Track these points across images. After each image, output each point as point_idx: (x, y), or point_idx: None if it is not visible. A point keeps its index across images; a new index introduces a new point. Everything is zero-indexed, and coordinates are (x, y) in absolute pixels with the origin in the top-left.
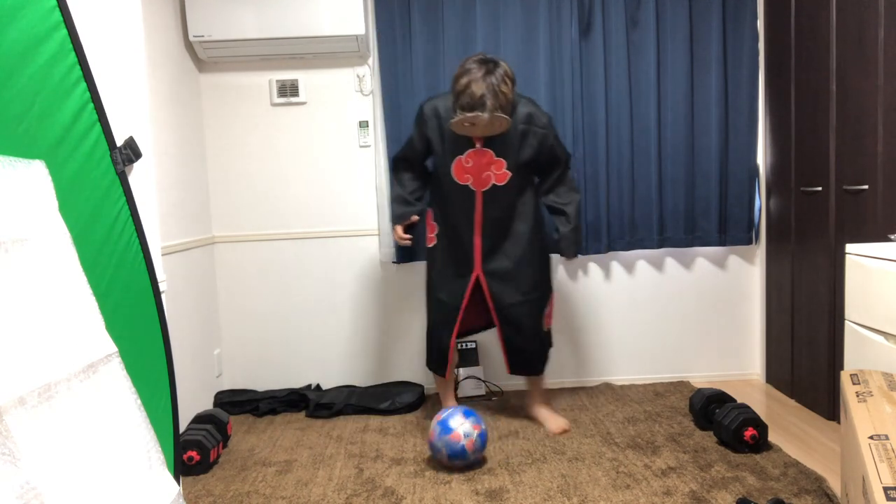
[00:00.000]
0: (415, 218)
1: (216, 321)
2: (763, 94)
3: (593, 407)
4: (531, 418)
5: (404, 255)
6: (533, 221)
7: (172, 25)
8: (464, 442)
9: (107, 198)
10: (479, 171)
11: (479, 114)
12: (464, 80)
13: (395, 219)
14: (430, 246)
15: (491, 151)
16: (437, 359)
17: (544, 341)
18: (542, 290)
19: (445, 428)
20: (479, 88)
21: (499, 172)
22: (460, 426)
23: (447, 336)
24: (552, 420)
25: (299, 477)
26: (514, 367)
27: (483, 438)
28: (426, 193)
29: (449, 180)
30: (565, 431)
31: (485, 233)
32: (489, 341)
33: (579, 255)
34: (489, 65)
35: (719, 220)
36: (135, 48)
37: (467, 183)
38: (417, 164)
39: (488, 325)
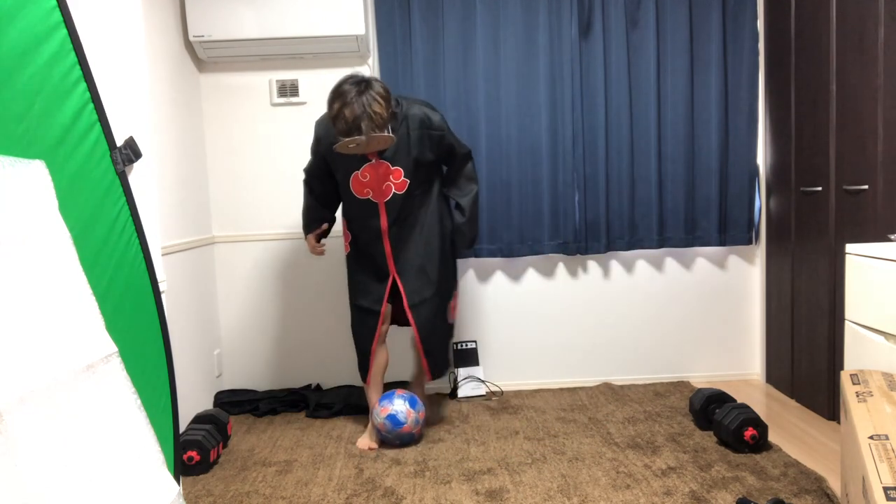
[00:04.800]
0: (324, 226)
1: (216, 321)
2: (763, 94)
3: (593, 407)
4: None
5: None
6: (438, 216)
7: (172, 25)
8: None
9: (107, 198)
10: (378, 183)
11: (357, 136)
12: (336, 106)
13: (305, 229)
14: (347, 253)
15: (387, 163)
16: (360, 364)
17: (448, 334)
18: (449, 283)
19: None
20: (351, 112)
21: (397, 181)
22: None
23: (369, 341)
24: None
25: (299, 477)
26: (434, 371)
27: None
28: (336, 202)
29: (349, 195)
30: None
31: (392, 237)
32: (489, 341)
33: (580, 254)
34: (360, 85)
35: (719, 220)
36: (135, 48)
37: (367, 196)
38: (321, 178)
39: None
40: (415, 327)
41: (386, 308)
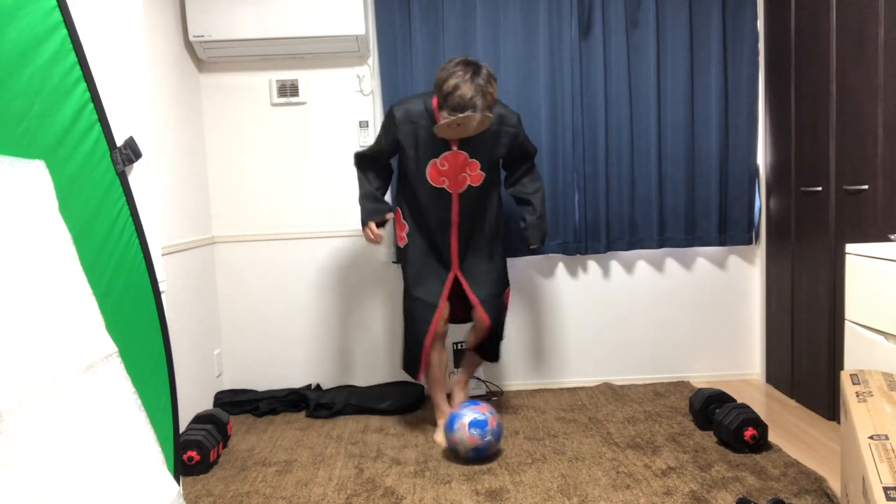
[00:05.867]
0: (389, 215)
1: (216, 321)
2: (763, 94)
3: (593, 407)
4: (449, 394)
5: None
6: (498, 216)
7: (172, 25)
8: (487, 416)
9: (107, 198)
10: (456, 173)
11: (471, 113)
12: (452, 83)
13: (367, 215)
14: (402, 245)
15: (465, 153)
16: (411, 359)
17: (503, 329)
18: (505, 282)
19: (457, 416)
20: (468, 89)
21: (474, 174)
22: (471, 412)
23: (423, 333)
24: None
25: (299, 477)
26: (483, 354)
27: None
28: (387, 191)
29: (423, 183)
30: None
31: (461, 233)
32: None
33: (579, 255)
34: (473, 66)
35: (719, 220)
36: (135, 48)
37: (443, 185)
38: (381, 163)
39: (463, 320)
40: (486, 318)
41: (445, 304)
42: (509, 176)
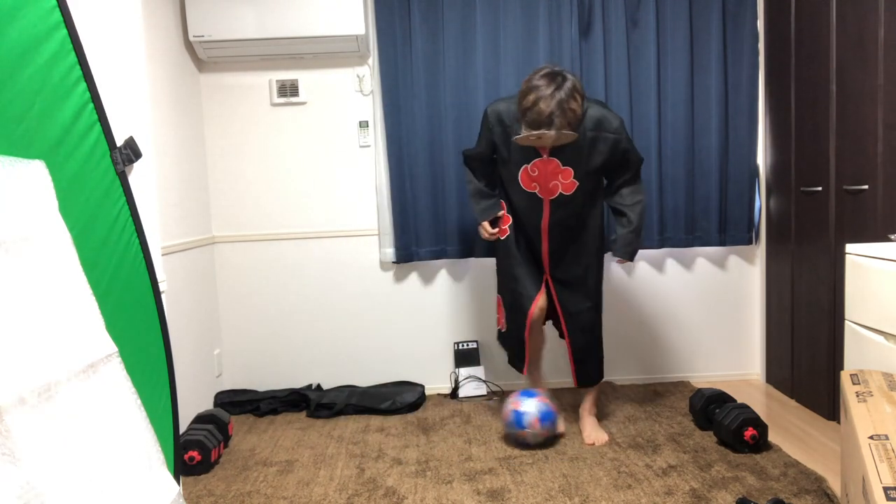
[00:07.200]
0: (501, 213)
1: (216, 321)
2: (763, 94)
3: None
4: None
5: (404, 255)
6: (599, 226)
7: (172, 25)
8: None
9: (107, 198)
10: (546, 180)
11: (546, 132)
12: (531, 97)
13: (481, 215)
14: (504, 237)
15: (557, 161)
16: (514, 355)
17: (601, 345)
18: (601, 294)
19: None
20: (546, 106)
21: (566, 182)
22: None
23: (522, 328)
24: (592, 432)
25: (300, 477)
26: (581, 379)
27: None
28: (498, 185)
29: (516, 186)
30: (593, 444)
31: (552, 239)
32: (490, 341)
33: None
34: (557, 79)
35: (719, 220)
36: (135, 48)
37: (534, 191)
38: (485, 161)
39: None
40: (567, 335)
41: (541, 298)
42: (608, 185)
